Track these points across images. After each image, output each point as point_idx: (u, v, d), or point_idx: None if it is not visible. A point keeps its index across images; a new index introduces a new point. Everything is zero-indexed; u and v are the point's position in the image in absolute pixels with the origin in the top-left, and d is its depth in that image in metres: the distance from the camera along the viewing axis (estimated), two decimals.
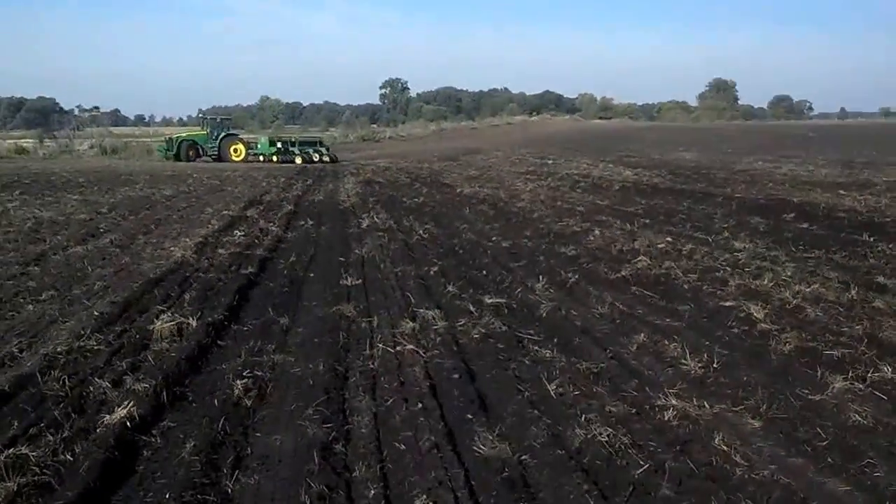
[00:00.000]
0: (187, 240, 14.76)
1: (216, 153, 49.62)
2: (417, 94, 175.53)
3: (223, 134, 50.97)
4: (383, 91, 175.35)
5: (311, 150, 50.51)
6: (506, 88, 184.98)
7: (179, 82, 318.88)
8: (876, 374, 6.91)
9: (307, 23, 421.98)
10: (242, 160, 48.98)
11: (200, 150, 50.21)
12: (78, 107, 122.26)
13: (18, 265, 12.36)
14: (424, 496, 4.84)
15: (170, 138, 52.32)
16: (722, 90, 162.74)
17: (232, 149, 50.06)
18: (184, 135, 52.68)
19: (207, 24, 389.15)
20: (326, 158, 49.92)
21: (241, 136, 54.41)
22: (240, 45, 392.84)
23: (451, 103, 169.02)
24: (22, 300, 10.14)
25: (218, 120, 54.04)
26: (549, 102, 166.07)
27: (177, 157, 48.62)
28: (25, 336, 8.46)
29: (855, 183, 24.79)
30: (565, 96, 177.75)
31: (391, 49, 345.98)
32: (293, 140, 52.64)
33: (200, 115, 56.78)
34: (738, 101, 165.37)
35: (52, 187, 26.00)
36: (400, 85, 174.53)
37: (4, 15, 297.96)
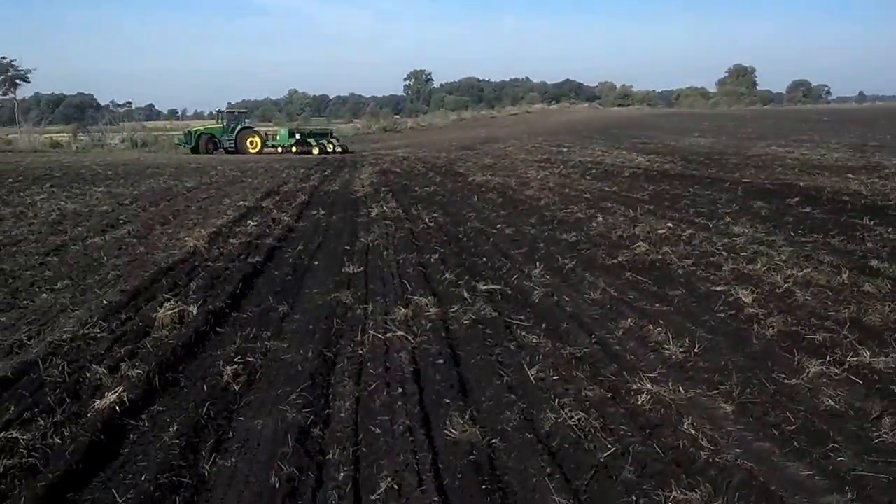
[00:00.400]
0: (202, 230, 14.84)
1: (233, 146, 49.87)
2: (441, 85, 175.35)
3: (240, 127, 51.23)
4: (407, 82, 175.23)
5: (324, 141, 51.00)
6: (527, 78, 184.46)
7: (211, 78, 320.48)
8: (855, 359, 6.83)
9: (337, 18, 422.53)
10: (259, 152, 49.37)
11: (218, 143, 50.48)
12: (111, 102, 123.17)
13: (39, 255, 12.52)
14: (390, 479, 4.86)
15: (188, 131, 52.64)
16: (741, 76, 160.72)
17: (248, 141, 50.51)
18: (202, 128, 53.03)
19: (240, 22, 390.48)
20: (339, 149, 50.23)
21: (257, 129, 54.79)
22: (271, 41, 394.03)
23: (474, 93, 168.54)
24: (37, 289, 10.27)
25: (235, 113, 54.13)
26: (570, 91, 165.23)
27: (195, 150, 48.86)
28: (36, 324, 8.57)
29: (865, 166, 24.39)
30: (585, 84, 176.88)
31: (417, 41, 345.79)
32: (309, 131, 53.13)
33: (217, 110, 56.83)
34: (757, 87, 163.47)
35: (80, 180, 26.22)
36: (424, 76, 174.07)
37: (48, 15, 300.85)
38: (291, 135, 50.90)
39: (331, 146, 50.23)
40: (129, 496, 4.69)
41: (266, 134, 53.47)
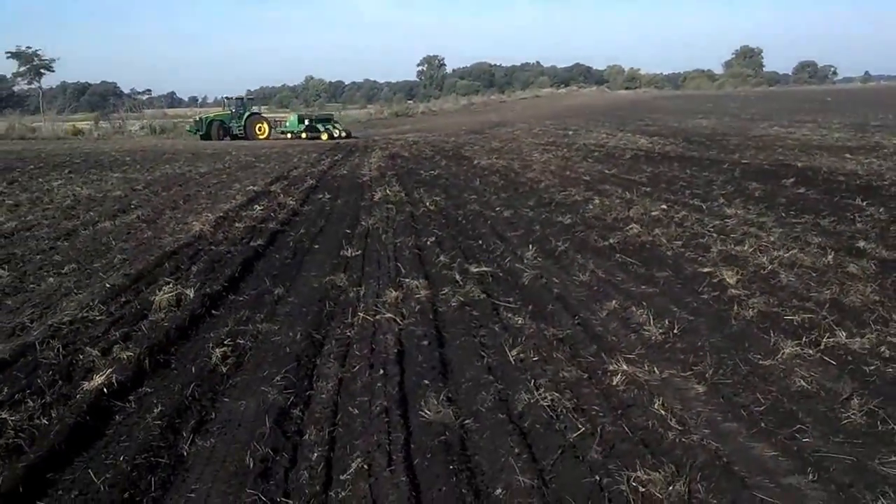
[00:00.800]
0: (209, 215, 14.85)
1: (242, 132, 49.40)
2: (453, 71, 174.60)
3: (248, 113, 50.86)
4: (420, 68, 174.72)
5: (329, 126, 50.63)
6: (538, 62, 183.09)
7: (231, 66, 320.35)
8: (831, 340, 6.74)
9: (354, 4, 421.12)
10: (266, 137, 49.10)
11: (227, 130, 49.86)
12: (132, 90, 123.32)
13: (49, 240, 12.55)
14: (361, 459, 4.85)
15: (199, 118, 52.06)
16: (748, 57, 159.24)
17: (257, 127, 50.11)
18: (212, 115, 52.66)
19: (257, 10, 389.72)
20: (343, 133, 49.82)
21: (264, 116, 54.51)
22: (289, 30, 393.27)
23: (485, 78, 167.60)
24: (45, 273, 10.29)
25: (243, 100, 53.48)
26: (579, 75, 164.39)
27: (205, 137, 48.45)
28: (39, 307, 8.59)
29: (864, 146, 24.11)
30: (594, 68, 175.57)
31: (431, 27, 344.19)
32: (316, 117, 52.81)
33: (224, 97, 56.40)
34: (764, 68, 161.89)
35: (98, 166, 26.27)
36: (437, 62, 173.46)
37: (73, 4, 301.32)
38: (301, 121, 50.41)
39: (336, 131, 49.91)
40: (106, 476, 4.68)
41: (275, 120, 53.17)
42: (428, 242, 12.05)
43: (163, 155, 31.67)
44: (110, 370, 6.18)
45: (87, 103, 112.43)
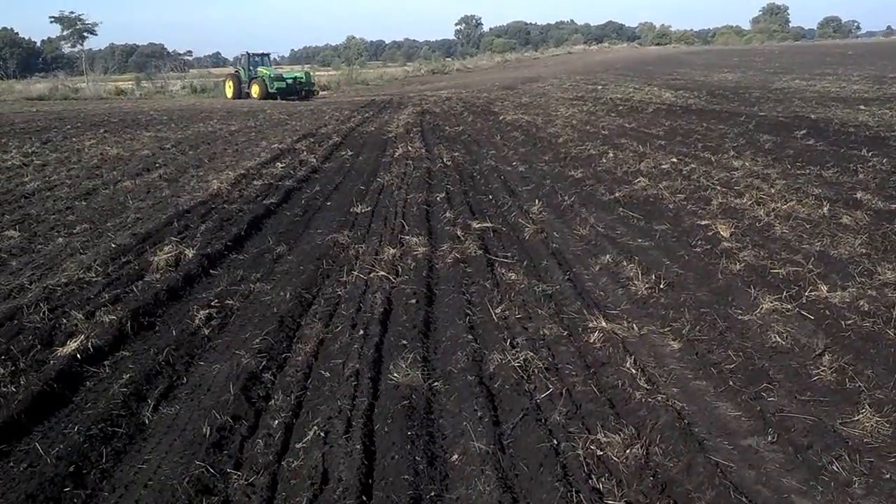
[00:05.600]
0: (230, 173, 14.50)
1: (248, 91, 45.71)
2: (490, 29, 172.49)
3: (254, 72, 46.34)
4: (458, 27, 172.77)
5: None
6: (572, 20, 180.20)
7: (275, 26, 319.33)
8: (813, 294, 6.35)
9: None
10: (260, 97, 44.24)
11: (241, 88, 46.23)
12: (174, 51, 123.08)
13: (68, 200, 12.32)
14: (319, 426, 4.53)
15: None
16: (775, 13, 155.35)
17: (253, 87, 45.55)
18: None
19: None
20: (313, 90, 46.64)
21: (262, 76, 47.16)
22: None
23: (521, 36, 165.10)
24: (56, 233, 10.08)
25: (257, 57, 48.09)
26: (612, 32, 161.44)
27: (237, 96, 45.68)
28: (42, 268, 8.36)
29: (879, 98, 23.16)
30: (627, 25, 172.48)
31: None
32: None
33: (235, 57, 53.40)
34: (790, 24, 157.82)
35: (134, 125, 25.93)
36: (474, 21, 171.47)
37: None
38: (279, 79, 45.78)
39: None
40: (60, 447, 4.40)
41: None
42: (438, 198, 11.62)
43: (199, 114, 31.23)
44: (83, 336, 5.90)
45: (133, 64, 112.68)
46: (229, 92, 46.52)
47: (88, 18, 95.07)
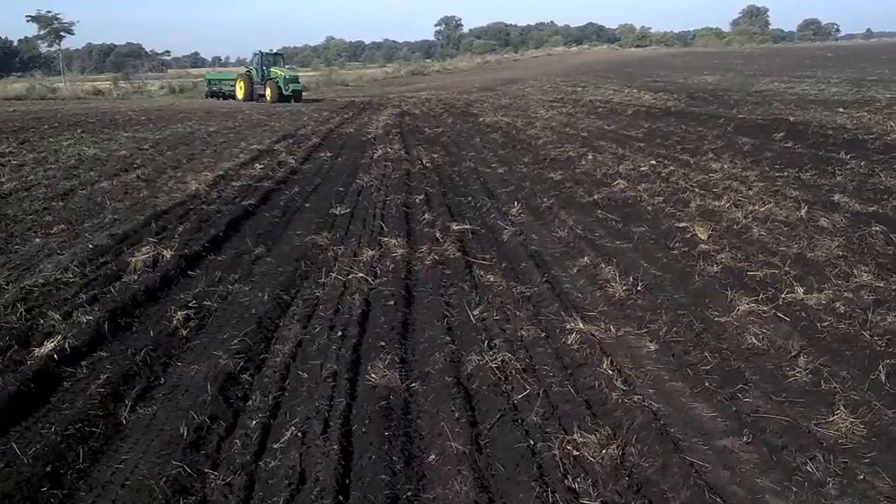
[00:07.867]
0: (209, 174, 14.47)
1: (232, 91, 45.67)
2: (470, 30, 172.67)
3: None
4: (438, 28, 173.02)
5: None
6: (552, 22, 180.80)
7: (253, 26, 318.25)
8: (789, 295, 6.45)
9: None
10: (245, 98, 43.88)
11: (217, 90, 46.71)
12: (152, 51, 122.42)
13: (45, 200, 12.21)
14: (294, 427, 4.55)
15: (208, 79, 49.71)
16: (755, 16, 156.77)
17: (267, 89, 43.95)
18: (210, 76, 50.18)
19: None
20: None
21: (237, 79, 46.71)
22: None
23: (501, 38, 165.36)
24: (33, 234, 9.99)
25: (270, 57, 46.53)
26: (592, 34, 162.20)
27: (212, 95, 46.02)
28: (19, 269, 8.29)
29: (858, 101, 23.30)
30: (607, 27, 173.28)
31: None
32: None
33: (213, 58, 52.79)
34: (770, 26, 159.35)
35: (111, 125, 25.74)
36: (454, 22, 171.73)
37: None
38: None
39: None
40: (37, 447, 4.39)
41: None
42: (417, 200, 11.67)
43: (178, 114, 31.10)
44: (60, 337, 5.88)
45: (111, 64, 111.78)
46: (240, 93, 44.75)
47: (65, 17, 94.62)
